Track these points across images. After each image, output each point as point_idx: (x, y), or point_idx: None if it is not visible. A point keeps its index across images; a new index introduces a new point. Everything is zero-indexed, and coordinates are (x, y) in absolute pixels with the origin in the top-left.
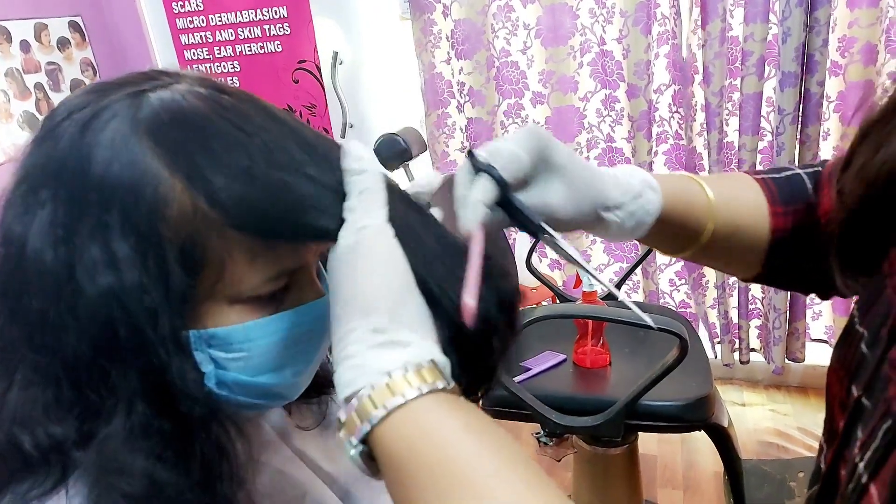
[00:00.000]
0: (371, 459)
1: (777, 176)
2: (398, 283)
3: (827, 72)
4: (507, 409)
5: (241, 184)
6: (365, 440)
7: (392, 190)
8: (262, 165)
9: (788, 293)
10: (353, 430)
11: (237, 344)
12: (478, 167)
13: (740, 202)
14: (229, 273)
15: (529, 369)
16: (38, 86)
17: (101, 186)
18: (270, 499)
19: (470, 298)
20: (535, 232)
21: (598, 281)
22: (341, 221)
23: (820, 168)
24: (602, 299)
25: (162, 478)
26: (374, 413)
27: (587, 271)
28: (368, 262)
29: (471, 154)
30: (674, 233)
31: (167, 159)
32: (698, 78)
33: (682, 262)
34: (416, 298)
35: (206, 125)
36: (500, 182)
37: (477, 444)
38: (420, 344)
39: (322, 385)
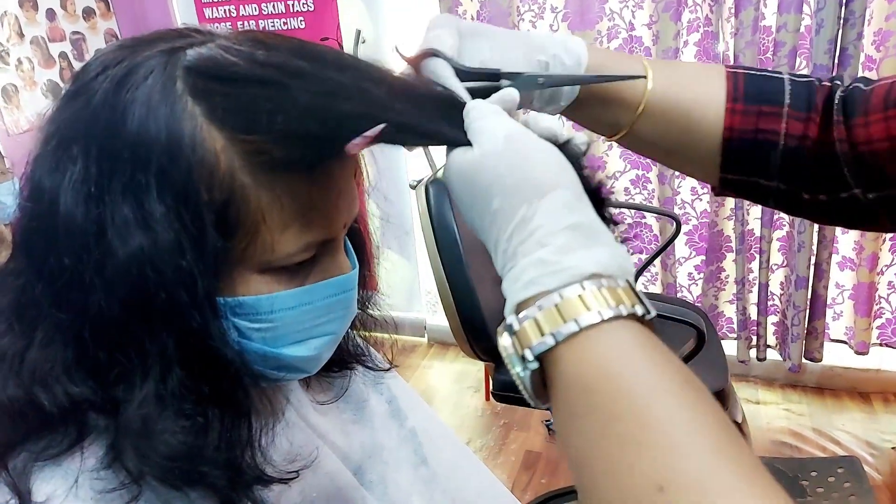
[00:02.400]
0: (542, 385)
1: (754, 73)
2: (571, 171)
3: (860, 66)
4: (516, 394)
5: (285, 121)
6: (540, 358)
7: None
8: (304, 100)
9: (809, 291)
10: (527, 342)
11: (264, 314)
12: (416, 57)
13: (688, 88)
14: (261, 239)
15: None
16: (63, 55)
17: (136, 144)
18: (283, 466)
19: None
20: (496, 85)
21: (578, 77)
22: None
23: (816, 81)
24: None
25: (191, 440)
26: (563, 328)
27: (583, 78)
28: (529, 152)
29: (397, 49)
30: (603, 104)
31: (207, 117)
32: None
33: (701, 256)
34: (589, 204)
35: (245, 80)
36: (445, 57)
37: (682, 393)
38: (615, 246)
39: (344, 360)
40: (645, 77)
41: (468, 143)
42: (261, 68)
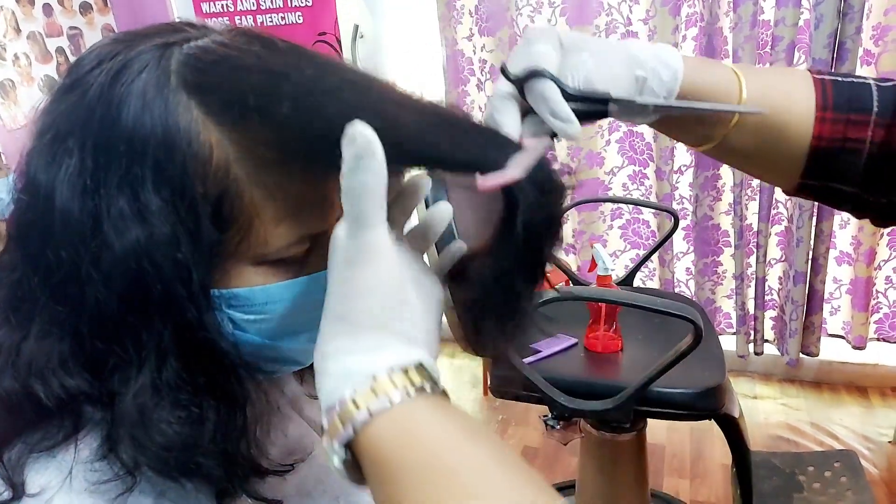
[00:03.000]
0: (356, 468)
1: (840, 79)
2: (393, 298)
3: (858, 60)
4: (514, 390)
5: (282, 120)
6: (350, 447)
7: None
8: (301, 101)
9: (807, 285)
10: (335, 435)
11: (258, 306)
12: (522, 77)
13: (780, 97)
14: (255, 232)
15: (539, 351)
16: (60, 50)
17: (131, 137)
18: (278, 459)
19: (517, 170)
20: (604, 110)
21: (716, 109)
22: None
23: None
24: (618, 284)
25: (186, 431)
26: (357, 416)
27: (698, 109)
28: (363, 275)
29: (504, 69)
30: (697, 116)
31: (201, 111)
32: (727, 62)
33: (698, 251)
34: (414, 306)
35: (239, 75)
36: (553, 77)
37: (465, 445)
38: (407, 348)
39: None
40: (756, 112)
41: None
42: (256, 64)
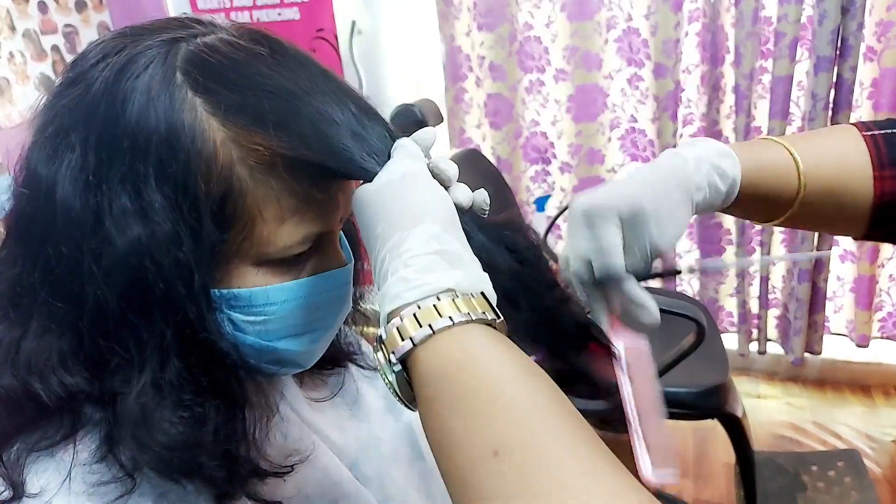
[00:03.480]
0: (408, 385)
1: (889, 131)
2: (448, 209)
3: (861, 57)
4: None
5: (289, 127)
6: (404, 362)
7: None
8: (307, 109)
9: (810, 283)
10: (393, 347)
11: (259, 307)
12: (600, 280)
13: (836, 164)
14: (258, 232)
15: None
16: (55, 48)
17: (135, 134)
18: (277, 462)
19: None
20: (678, 273)
21: (783, 258)
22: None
23: None
24: None
25: (187, 431)
26: (418, 332)
27: (762, 261)
28: (414, 188)
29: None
30: (762, 200)
31: (206, 109)
32: (729, 58)
33: (701, 249)
34: (461, 231)
35: (245, 73)
36: (628, 274)
37: (522, 377)
38: (473, 268)
39: (338, 358)
40: (795, 258)
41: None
42: (264, 70)
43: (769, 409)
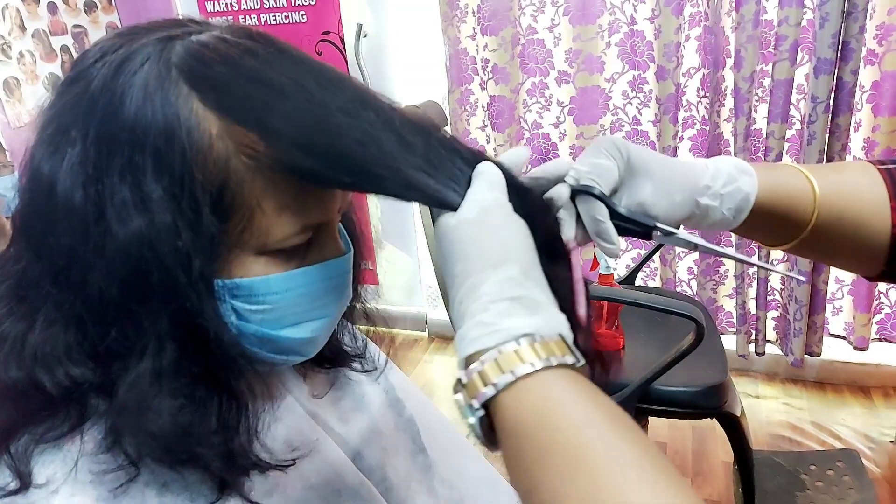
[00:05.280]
0: (489, 429)
1: None
2: (527, 248)
3: (862, 60)
4: None
5: (289, 124)
6: (486, 406)
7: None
8: (303, 106)
9: (810, 285)
10: (474, 394)
11: (260, 296)
12: (575, 189)
13: (853, 193)
14: (257, 223)
15: None
16: (65, 48)
17: (133, 127)
18: (279, 454)
19: (581, 309)
20: (648, 233)
21: (749, 262)
22: (392, 170)
23: None
24: (619, 283)
25: (186, 420)
26: (501, 378)
27: (727, 255)
28: (495, 227)
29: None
30: (774, 222)
31: (202, 103)
32: (729, 62)
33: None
34: (541, 271)
35: (239, 68)
36: (602, 198)
37: (610, 429)
38: (552, 311)
39: (341, 359)
40: (788, 274)
41: (454, 209)
42: (255, 63)
43: (768, 410)
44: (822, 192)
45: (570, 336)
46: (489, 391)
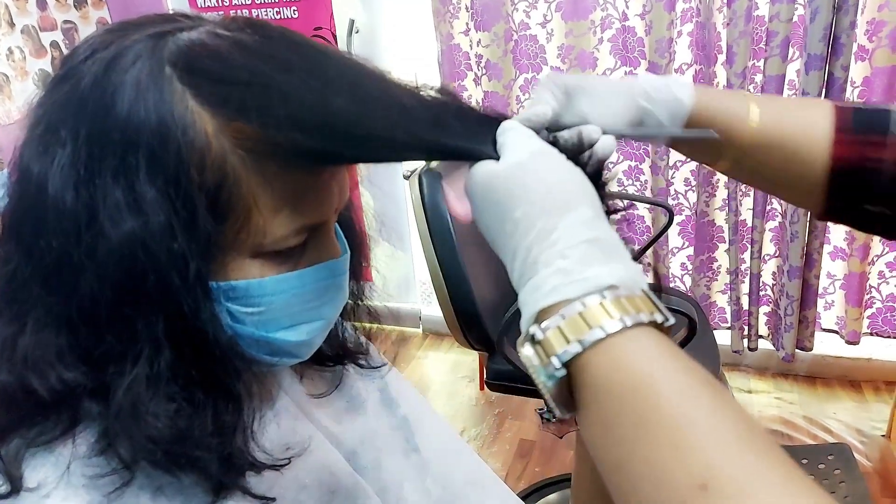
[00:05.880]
0: (567, 391)
1: (862, 106)
2: (591, 189)
3: (853, 55)
4: (510, 383)
5: (276, 120)
6: (566, 365)
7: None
8: (294, 101)
9: (801, 280)
10: (553, 350)
11: (255, 298)
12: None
13: (795, 123)
14: (254, 223)
15: None
16: (54, 44)
17: (125, 127)
18: (274, 454)
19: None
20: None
21: (650, 135)
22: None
23: None
24: None
25: (183, 423)
26: (588, 335)
27: (643, 137)
28: (553, 168)
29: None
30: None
31: (196, 101)
32: (721, 58)
33: (693, 246)
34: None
35: (232, 62)
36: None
37: (713, 399)
38: (629, 259)
39: (341, 356)
40: (718, 139)
41: (495, 157)
42: (250, 56)
43: (760, 404)
44: (763, 116)
45: (649, 290)
46: (574, 348)
